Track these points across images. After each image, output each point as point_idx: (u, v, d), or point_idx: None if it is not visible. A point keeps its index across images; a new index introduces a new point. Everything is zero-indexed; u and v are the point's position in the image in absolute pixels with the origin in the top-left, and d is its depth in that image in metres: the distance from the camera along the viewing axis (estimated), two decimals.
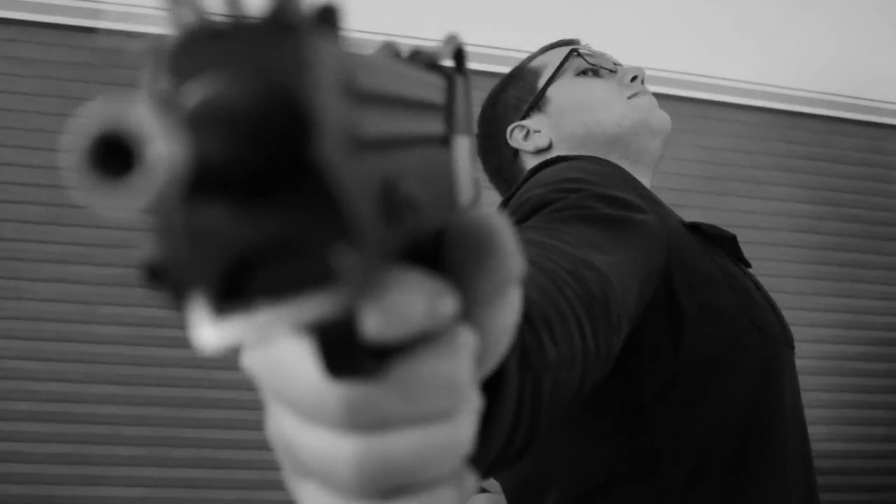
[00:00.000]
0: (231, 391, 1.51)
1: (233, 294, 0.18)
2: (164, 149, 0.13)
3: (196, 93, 0.16)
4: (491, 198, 1.18)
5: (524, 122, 1.04)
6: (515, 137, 1.04)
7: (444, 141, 0.30)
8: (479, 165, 1.11)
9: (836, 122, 1.90)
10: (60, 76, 1.56)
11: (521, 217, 0.70)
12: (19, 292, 1.50)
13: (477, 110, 1.16)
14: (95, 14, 1.56)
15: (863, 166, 1.90)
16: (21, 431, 1.46)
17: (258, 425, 1.55)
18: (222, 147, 0.15)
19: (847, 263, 1.84)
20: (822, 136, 1.89)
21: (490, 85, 1.14)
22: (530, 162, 1.03)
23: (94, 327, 1.51)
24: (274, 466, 1.51)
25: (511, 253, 0.25)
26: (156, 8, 1.58)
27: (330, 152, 0.17)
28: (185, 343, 1.48)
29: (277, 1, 0.17)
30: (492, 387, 0.33)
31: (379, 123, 0.21)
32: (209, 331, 0.18)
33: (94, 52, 1.57)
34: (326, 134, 0.17)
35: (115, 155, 0.14)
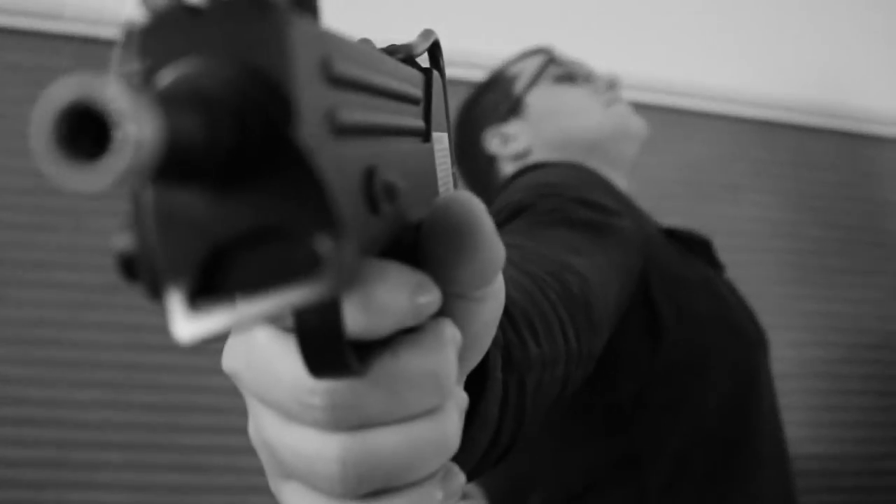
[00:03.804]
0: (219, 396, 1.51)
1: (210, 284, 0.17)
2: (134, 126, 0.13)
3: (170, 73, 0.16)
4: None
5: (502, 128, 1.04)
6: (493, 143, 1.05)
7: (424, 135, 0.29)
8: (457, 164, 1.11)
9: (814, 130, 1.93)
10: (49, 82, 1.57)
11: (501, 221, 0.71)
12: (5, 298, 1.50)
13: (452, 115, 1.17)
14: (85, 20, 1.57)
15: (840, 173, 1.93)
16: (6, 436, 1.46)
17: (245, 430, 1.54)
18: (196, 128, 0.14)
19: (825, 269, 1.86)
20: (800, 143, 1.92)
21: (464, 91, 1.14)
22: (507, 168, 1.04)
23: (80, 332, 1.51)
24: (261, 472, 1.52)
25: (490, 236, 0.24)
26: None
27: (309, 136, 0.16)
28: (172, 348, 1.49)
29: None
30: (476, 385, 0.33)
31: (358, 110, 0.20)
32: (185, 323, 0.17)
33: (83, 59, 1.58)
34: (305, 117, 0.16)
35: (84, 131, 0.13)
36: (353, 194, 0.18)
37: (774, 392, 0.90)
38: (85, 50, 1.58)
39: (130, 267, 0.17)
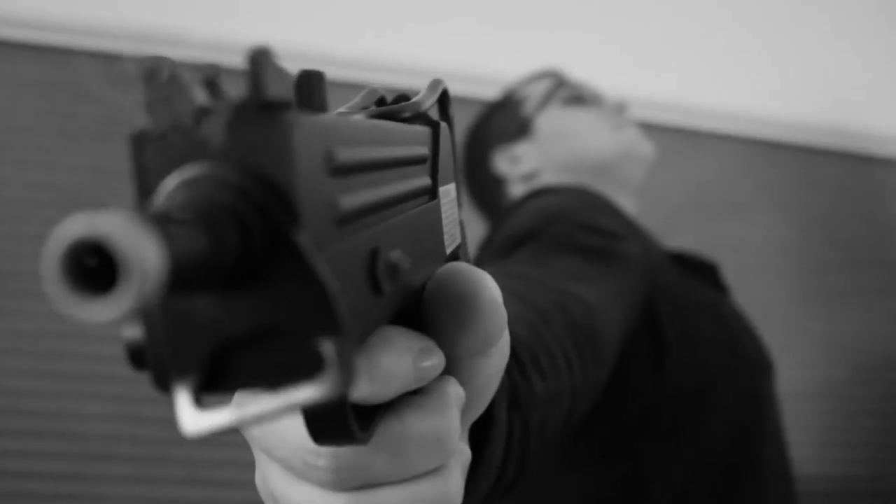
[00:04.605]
0: None
1: (216, 382, 0.17)
2: (139, 260, 0.13)
3: (174, 180, 0.16)
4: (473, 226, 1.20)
5: (510, 150, 1.05)
6: (501, 164, 1.06)
7: (430, 192, 0.29)
8: (464, 202, 1.11)
9: (822, 151, 1.93)
10: (61, 96, 1.59)
11: (508, 248, 0.72)
12: (15, 310, 1.51)
13: (460, 132, 1.18)
14: (97, 35, 1.59)
15: (848, 194, 1.93)
16: (13, 449, 1.47)
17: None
18: (201, 243, 0.15)
19: (832, 289, 1.86)
20: (808, 164, 1.92)
21: (473, 110, 1.15)
22: (515, 188, 1.04)
23: (88, 345, 1.52)
24: None
25: (491, 305, 0.24)
26: (156, 28, 1.60)
27: (312, 235, 0.17)
28: None
29: (255, 77, 0.16)
30: (480, 427, 0.33)
31: (361, 192, 0.20)
32: (191, 417, 0.17)
33: (94, 73, 1.59)
34: (308, 216, 0.16)
35: (92, 265, 0.13)
36: (357, 282, 0.19)
37: (780, 415, 0.90)
38: (104, 65, 1.60)
39: (139, 357, 0.18)
